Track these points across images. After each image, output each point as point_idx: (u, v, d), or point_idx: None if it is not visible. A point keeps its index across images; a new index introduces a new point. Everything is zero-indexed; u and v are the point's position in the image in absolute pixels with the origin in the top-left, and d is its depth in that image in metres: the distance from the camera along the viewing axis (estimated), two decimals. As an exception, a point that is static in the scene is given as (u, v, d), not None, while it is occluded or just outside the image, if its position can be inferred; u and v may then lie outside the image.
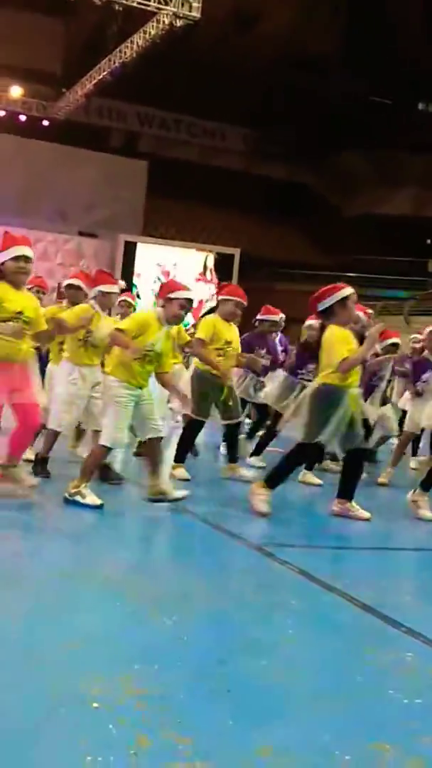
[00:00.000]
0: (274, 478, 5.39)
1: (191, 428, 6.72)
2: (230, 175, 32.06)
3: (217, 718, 2.41)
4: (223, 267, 27.29)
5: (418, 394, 7.42)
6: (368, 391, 7.39)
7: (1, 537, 4.27)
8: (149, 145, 33.07)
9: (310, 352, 6.43)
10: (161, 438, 5.40)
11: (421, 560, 4.91)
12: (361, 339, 5.58)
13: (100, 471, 5.79)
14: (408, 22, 29.68)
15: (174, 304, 5.20)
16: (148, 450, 5.45)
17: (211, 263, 27.53)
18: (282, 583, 3.93)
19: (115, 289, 6.10)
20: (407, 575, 4.39)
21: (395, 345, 7.62)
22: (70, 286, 6.53)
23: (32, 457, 6.04)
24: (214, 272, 27.44)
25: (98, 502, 4.96)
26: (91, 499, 4.97)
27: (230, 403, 6.58)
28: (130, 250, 26.84)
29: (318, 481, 6.95)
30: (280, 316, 8.16)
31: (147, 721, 2.34)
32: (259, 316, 7.99)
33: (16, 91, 27.13)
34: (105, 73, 22.60)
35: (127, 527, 5.02)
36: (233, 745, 2.26)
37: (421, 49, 29.67)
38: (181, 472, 6.49)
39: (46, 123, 27.55)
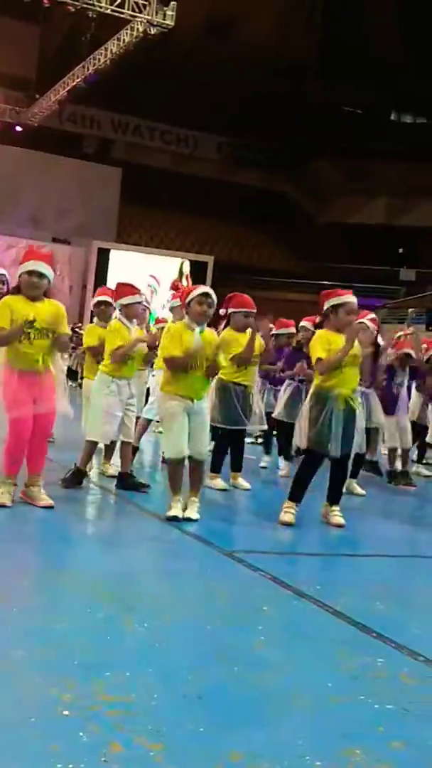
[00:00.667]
0: (293, 491, 5.44)
1: (223, 438, 6.68)
2: (204, 183, 32.12)
3: (189, 725, 2.40)
4: (197, 274, 27.33)
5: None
6: (387, 399, 7.56)
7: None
8: (123, 152, 33.08)
9: (303, 354, 6.62)
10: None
11: (392, 566, 4.94)
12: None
13: (121, 478, 6.03)
14: (383, 32, 29.96)
15: (194, 304, 5.21)
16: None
17: (187, 269, 27.57)
18: (254, 590, 3.94)
19: (137, 298, 6.09)
20: (378, 581, 4.41)
21: (408, 355, 7.79)
22: (99, 303, 6.65)
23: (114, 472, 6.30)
24: (189, 279, 27.50)
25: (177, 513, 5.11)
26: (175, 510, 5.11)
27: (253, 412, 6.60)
28: (103, 257, 26.84)
29: (360, 491, 7.03)
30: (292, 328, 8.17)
31: (118, 727, 2.33)
32: (275, 330, 7.97)
33: (-11, 97, 27.02)
34: (79, 79, 22.58)
35: (100, 534, 5.02)
36: (205, 751, 2.26)
37: (395, 59, 29.99)
38: (218, 482, 6.53)
39: (19, 129, 27.44)
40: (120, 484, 6.06)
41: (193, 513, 5.20)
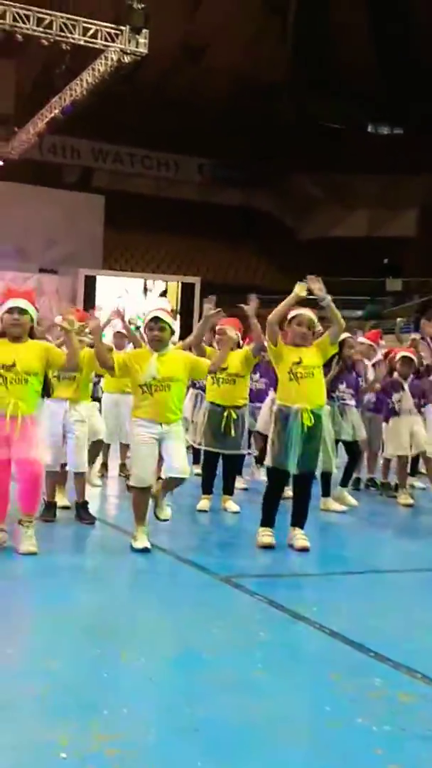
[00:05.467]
0: (263, 515, 5.40)
1: (208, 460, 6.72)
2: (186, 205, 32.28)
3: (187, 759, 2.41)
4: (185, 295, 27.41)
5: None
6: (380, 410, 7.59)
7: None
8: (104, 179, 33.21)
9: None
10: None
11: (388, 583, 4.93)
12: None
13: (78, 510, 5.90)
14: (354, 45, 30.27)
15: (145, 330, 5.26)
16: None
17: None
18: (250, 615, 3.95)
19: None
20: (374, 599, 4.42)
21: (409, 359, 7.73)
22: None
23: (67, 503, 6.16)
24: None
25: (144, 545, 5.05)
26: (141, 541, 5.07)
27: (232, 434, 6.54)
28: (90, 284, 26.92)
29: (353, 502, 7.06)
30: None
31: (117, 767, 2.34)
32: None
33: (-32, 133, 27.14)
34: (56, 111, 22.72)
35: (93, 565, 4.98)
36: (203, 785, 2.27)
37: (367, 73, 30.30)
38: (204, 503, 6.59)
39: (0, 163, 27.58)
40: (77, 514, 5.93)
41: (163, 513, 5.27)
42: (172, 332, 5.27)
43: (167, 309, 5.41)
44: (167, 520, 5.38)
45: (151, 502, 5.26)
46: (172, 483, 5.28)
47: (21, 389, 4.80)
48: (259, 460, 7.76)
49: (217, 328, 6.83)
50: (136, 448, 5.21)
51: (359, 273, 28.91)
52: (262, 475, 7.75)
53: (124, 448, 7.88)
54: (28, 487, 4.91)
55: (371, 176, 31.59)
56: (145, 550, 4.99)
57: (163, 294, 26.92)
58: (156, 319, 5.16)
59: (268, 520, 5.38)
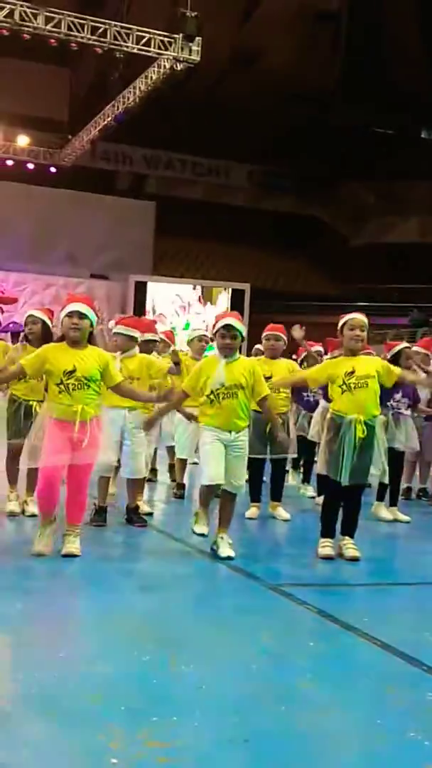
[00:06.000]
0: (323, 526, 5.38)
1: (252, 468, 6.63)
2: (236, 211, 32.36)
3: (236, 769, 2.40)
4: (235, 302, 27.45)
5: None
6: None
7: (14, 588, 4.27)
8: (156, 186, 33.48)
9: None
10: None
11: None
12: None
13: (129, 514, 5.97)
14: (406, 51, 30.04)
15: (217, 337, 5.21)
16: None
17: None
18: (300, 625, 3.92)
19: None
20: (426, 611, 4.35)
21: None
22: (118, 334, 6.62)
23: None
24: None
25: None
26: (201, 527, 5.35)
27: (278, 439, 6.55)
28: (140, 290, 27.11)
29: (388, 516, 6.93)
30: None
31: (166, 774, 2.34)
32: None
33: (23, 141, 27.60)
34: (109, 118, 22.98)
35: (143, 573, 4.96)
36: (252, 796, 2.25)
37: (420, 77, 30.01)
38: (253, 511, 6.59)
39: (53, 170, 27.97)
40: (128, 517, 5.97)
41: (225, 550, 5.07)
42: (243, 339, 5.23)
43: (239, 316, 5.39)
44: (204, 535, 5.39)
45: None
46: (226, 497, 5.26)
47: (83, 395, 4.82)
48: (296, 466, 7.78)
49: (265, 333, 6.80)
50: (205, 449, 5.16)
51: (411, 280, 28.64)
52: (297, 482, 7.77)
53: (171, 451, 7.89)
54: (77, 496, 4.96)
55: (424, 182, 31.28)
56: (202, 536, 5.23)
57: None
58: (228, 327, 5.13)
59: (327, 531, 5.36)
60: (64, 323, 4.90)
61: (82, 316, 4.86)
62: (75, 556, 4.84)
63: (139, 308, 26.20)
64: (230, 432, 5.10)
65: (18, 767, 2.38)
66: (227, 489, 5.19)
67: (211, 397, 5.08)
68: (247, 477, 6.42)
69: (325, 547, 5.29)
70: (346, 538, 5.35)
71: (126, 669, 3.17)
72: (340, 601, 4.45)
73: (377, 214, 32.96)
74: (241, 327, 5.17)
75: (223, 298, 27.93)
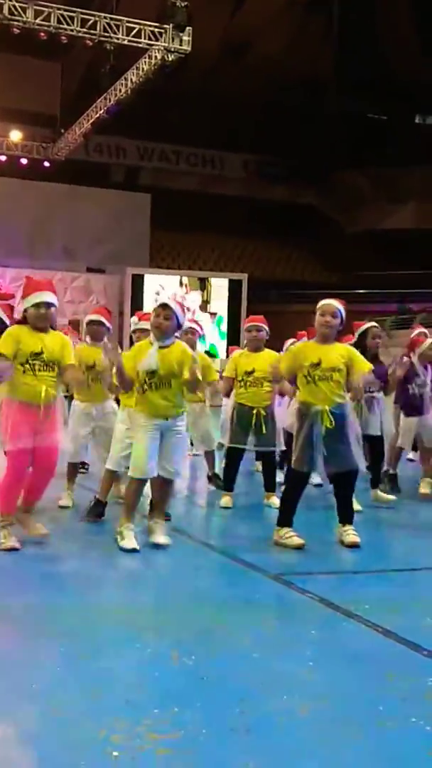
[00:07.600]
0: (280, 515, 5.29)
1: (230, 457, 6.71)
2: (232, 201, 32.31)
3: (238, 760, 2.40)
4: (233, 292, 27.41)
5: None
6: (407, 401, 7.40)
7: (18, 583, 4.28)
8: (150, 177, 33.43)
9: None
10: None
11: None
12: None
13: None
14: (399, 37, 29.95)
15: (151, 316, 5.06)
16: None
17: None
18: (302, 613, 3.92)
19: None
20: (427, 597, 4.35)
21: None
22: (92, 322, 6.50)
23: (69, 503, 6.14)
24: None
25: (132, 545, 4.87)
26: (128, 542, 4.89)
27: (264, 431, 6.51)
28: (137, 282, 27.06)
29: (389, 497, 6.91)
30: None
31: (168, 767, 2.33)
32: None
33: (15, 135, 27.50)
34: (101, 111, 22.90)
35: (143, 564, 4.90)
36: (255, 786, 2.25)
37: (413, 63, 29.92)
38: (226, 500, 6.56)
39: (47, 164, 27.88)
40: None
41: (160, 537, 4.98)
42: (179, 326, 5.00)
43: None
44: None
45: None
46: (164, 485, 5.09)
47: (47, 375, 4.85)
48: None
49: (246, 325, 6.76)
50: (137, 437, 5.00)
51: (407, 266, 28.62)
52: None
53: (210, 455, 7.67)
54: (44, 476, 4.96)
55: (418, 168, 31.22)
56: (133, 551, 4.84)
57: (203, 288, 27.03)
58: (164, 306, 4.94)
59: (284, 519, 5.23)
60: (32, 313, 4.87)
61: (49, 305, 4.90)
62: (45, 535, 4.91)
63: (137, 301, 26.15)
64: (166, 419, 4.94)
65: (19, 762, 2.39)
66: (162, 474, 5.01)
67: (144, 386, 4.91)
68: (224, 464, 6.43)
69: (291, 537, 5.14)
70: (346, 525, 5.30)
71: (126, 662, 3.16)
72: (341, 589, 4.43)
73: (372, 201, 32.90)
74: (180, 312, 4.95)
75: (219, 287, 27.75)
